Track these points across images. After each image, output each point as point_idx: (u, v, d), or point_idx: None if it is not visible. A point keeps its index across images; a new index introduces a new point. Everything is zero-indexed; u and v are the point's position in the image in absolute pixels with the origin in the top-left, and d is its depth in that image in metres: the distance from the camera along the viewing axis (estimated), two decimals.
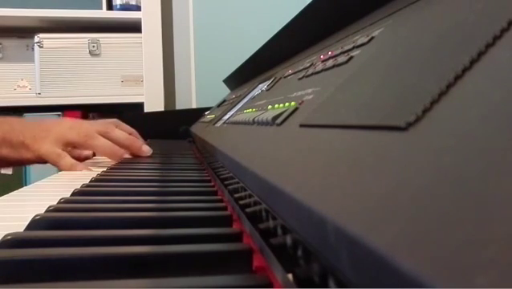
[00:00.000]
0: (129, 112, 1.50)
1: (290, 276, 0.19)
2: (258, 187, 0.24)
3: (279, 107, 0.35)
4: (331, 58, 0.36)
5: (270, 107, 0.40)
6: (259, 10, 1.61)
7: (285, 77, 0.51)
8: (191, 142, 1.16)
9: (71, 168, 0.67)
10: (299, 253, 0.18)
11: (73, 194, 0.40)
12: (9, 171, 1.46)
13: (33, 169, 1.48)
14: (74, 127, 0.72)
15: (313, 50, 0.52)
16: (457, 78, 0.15)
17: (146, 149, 0.77)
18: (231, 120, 0.59)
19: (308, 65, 0.42)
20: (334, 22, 0.47)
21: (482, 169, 0.10)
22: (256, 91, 0.66)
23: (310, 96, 0.31)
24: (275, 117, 0.32)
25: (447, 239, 0.09)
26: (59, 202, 0.36)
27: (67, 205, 0.36)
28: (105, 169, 0.60)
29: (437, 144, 0.12)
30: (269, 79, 0.64)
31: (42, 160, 0.71)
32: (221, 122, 0.69)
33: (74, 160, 0.69)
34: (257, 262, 0.24)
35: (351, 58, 0.30)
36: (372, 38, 0.30)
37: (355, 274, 0.11)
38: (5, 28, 1.55)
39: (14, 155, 0.71)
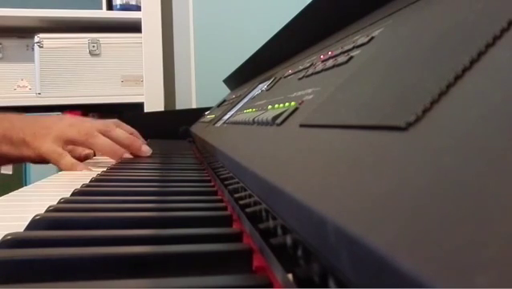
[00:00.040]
0: (129, 112, 1.50)
1: (290, 276, 0.19)
2: (258, 187, 0.24)
3: (279, 107, 0.35)
4: (331, 58, 0.36)
5: (270, 107, 0.40)
6: (259, 10, 1.61)
7: (285, 77, 0.51)
8: (191, 142, 1.16)
9: (71, 168, 0.67)
10: (299, 253, 0.18)
11: (73, 194, 0.40)
12: (9, 171, 1.46)
13: (33, 169, 1.48)
14: (74, 124, 0.72)
15: (313, 50, 0.52)
16: (457, 78, 0.15)
17: (146, 149, 0.77)
18: (231, 120, 0.59)
19: (308, 65, 0.42)
20: (334, 22, 0.47)
21: (482, 169, 0.10)
22: (256, 91, 0.66)
23: (310, 96, 0.31)
24: (275, 117, 0.32)
25: (447, 239, 0.09)
26: (59, 202, 0.36)
27: (67, 205, 0.36)
28: (105, 169, 0.60)
29: (437, 144, 0.12)
30: (269, 79, 0.64)
31: (42, 158, 0.71)
32: (221, 122, 0.69)
33: (74, 160, 0.69)
34: (257, 262, 0.24)
35: (351, 58, 0.30)
36: (372, 38, 0.30)
37: (355, 274, 0.11)
38: (5, 28, 1.55)
39: (15, 152, 0.71)
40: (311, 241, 0.15)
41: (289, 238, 0.20)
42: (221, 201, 0.39)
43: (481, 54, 0.15)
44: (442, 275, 0.08)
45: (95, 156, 0.88)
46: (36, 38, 1.49)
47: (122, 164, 0.68)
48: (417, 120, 0.14)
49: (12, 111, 1.14)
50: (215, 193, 0.43)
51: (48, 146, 0.69)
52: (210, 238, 0.27)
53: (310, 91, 0.32)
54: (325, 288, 0.15)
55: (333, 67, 0.32)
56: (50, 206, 0.34)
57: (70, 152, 0.72)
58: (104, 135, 0.71)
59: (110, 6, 1.57)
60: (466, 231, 0.09)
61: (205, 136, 0.68)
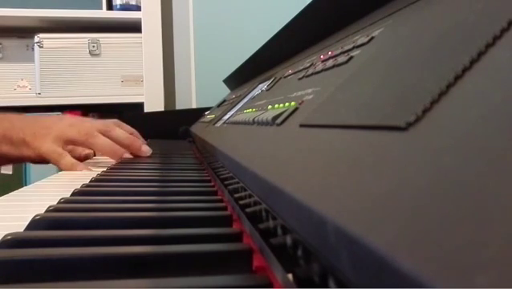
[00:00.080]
0: (129, 112, 1.50)
1: (290, 276, 0.19)
2: (258, 187, 0.24)
3: (279, 107, 0.35)
4: (331, 58, 0.36)
5: (270, 107, 0.40)
6: (259, 10, 1.61)
7: (285, 77, 0.51)
8: (191, 142, 1.16)
9: (71, 168, 0.67)
10: (299, 253, 0.18)
11: (73, 194, 0.40)
12: (9, 171, 1.46)
13: (33, 169, 1.48)
14: (74, 124, 0.72)
15: (313, 50, 0.52)
16: (457, 78, 0.15)
17: (146, 149, 0.77)
18: (231, 120, 0.59)
19: (308, 65, 0.42)
20: (334, 22, 0.47)
21: (482, 169, 0.10)
22: (256, 91, 0.66)
23: (310, 96, 0.31)
24: (275, 117, 0.32)
25: (447, 239, 0.09)
26: (59, 202, 0.36)
27: (67, 205, 0.36)
28: (105, 169, 0.60)
29: (437, 144, 0.12)
30: (269, 79, 0.64)
31: (42, 158, 0.71)
32: (221, 122, 0.69)
33: (74, 160, 0.69)
34: (257, 262, 0.24)
35: (351, 58, 0.30)
36: (372, 38, 0.30)
37: (355, 274, 0.11)
38: (5, 28, 1.55)
39: (15, 152, 0.71)
40: (311, 241, 0.15)
41: (289, 238, 0.20)
42: (221, 201, 0.39)
43: (481, 54, 0.15)
44: (442, 275, 0.08)
45: (95, 156, 0.88)
46: (36, 38, 1.49)
47: (122, 164, 0.68)
48: (417, 120, 0.14)
49: (12, 111, 1.14)
50: (215, 193, 0.43)
51: (48, 146, 0.69)
52: (210, 238, 0.27)
53: (310, 91, 0.32)
54: (325, 288, 0.15)
55: (333, 67, 0.32)
56: (50, 206, 0.34)
57: (70, 152, 0.72)
58: (104, 135, 0.71)
59: (110, 6, 1.57)
60: (466, 231, 0.09)
61: (205, 136, 0.68)
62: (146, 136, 0.94)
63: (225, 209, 0.36)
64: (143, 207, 0.36)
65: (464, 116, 0.13)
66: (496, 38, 0.15)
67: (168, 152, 0.94)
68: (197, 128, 1.02)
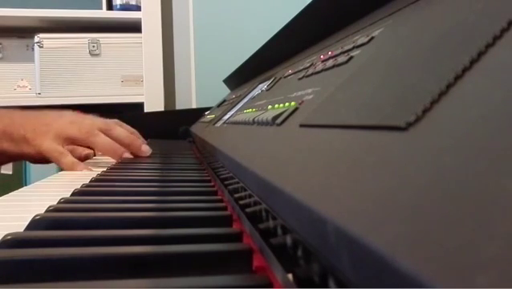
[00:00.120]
0: (129, 112, 1.50)
1: (290, 276, 0.19)
2: (258, 187, 0.24)
3: (279, 107, 0.35)
4: (331, 58, 0.36)
5: (270, 107, 0.40)
6: (259, 10, 1.61)
7: (285, 77, 0.51)
8: (191, 142, 1.16)
9: (72, 167, 0.67)
10: (299, 253, 0.18)
11: (73, 194, 0.40)
12: (9, 171, 1.46)
13: (33, 169, 1.48)
14: (75, 122, 0.71)
15: (313, 50, 0.52)
16: (457, 78, 0.15)
17: (145, 149, 0.77)
18: (231, 120, 0.59)
19: (308, 65, 0.42)
20: (334, 22, 0.47)
21: (482, 169, 0.10)
22: (256, 91, 0.66)
23: (310, 96, 0.31)
24: (275, 117, 0.32)
25: (447, 239, 0.09)
26: (59, 202, 0.36)
27: (67, 205, 0.36)
28: (105, 169, 0.60)
29: (437, 144, 0.12)
30: (269, 79, 0.64)
31: (42, 156, 0.70)
32: (221, 122, 0.69)
33: (75, 159, 0.69)
34: (257, 262, 0.24)
35: (351, 58, 0.30)
36: (372, 38, 0.30)
37: (355, 274, 0.11)
38: (5, 28, 1.55)
39: (15, 149, 0.71)
40: (311, 241, 0.15)
41: (289, 238, 0.20)
42: (221, 201, 0.39)
43: (481, 54, 0.15)
44: (442, 275, 0.08)
45: (95, 156, 0.88)
46: (36, 38, 1.49)
47: (122, 164, 0.68)
48: (417, 120, 0.14)
49: None
50: (215, 193, 0.43)
51: (48, 144, 0.68)
52: (210, 238, 0.27)
53: (310, 91, 0.32)
54: (325, 288, 0.15)
55: (333, 67, 0.32)
56: (50, 206, 0.34)
57: (70, 152, 0.71)
58: (105, 133, 0.71)
59: (110, 6, 1.57)
60: (466, 231, 0.09)
61: (205, 136, 0.68)
62: (146, 136, 0.94)
63: (225, 209, 0.36)
64: (143, 207, 0.36)
65: (464, 116, 0.13)
66: (496, 38, 0.15)
67: (168, 152, 0.94)
68: (197, 128, 1.02)
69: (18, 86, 1.57)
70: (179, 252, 0.24)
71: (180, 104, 1.67)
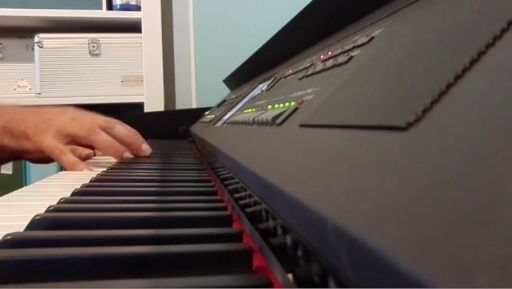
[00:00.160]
0: (129, 112, 1.50)
1: (290, 276, 0.19)
2: (258, 187, 0.24)
3: (279, 107, 0.35)
4: (331, 58, 0.36)
5: (270, 107, 0.40)
6: (259, 10, 1.61)
7: (285, 77, 0.51)
8: (191, 142, 1.16)
9: (73, 166, 0.67)
10: (299, 253, 0.18)
11: (73, 194, 0.40)
12: (9, 171, 1.46)
13: (33, 169, 1.48)
14: (76, 119, 0.71)
15: (313, 50, 0.52)
16: (457, 78, 0.15)
17: (146, 148, 0.77)
18: (231, 120, 0.59)
19: (308, 65, 0.42)
20: (334, 22, 0.47)
21: (482, 169, 0.10)
22: (256, 91, 0.66)
23: (310, 96, 0.31)
24: (275, 117, 0.32)
25: (447, 239, 0.09)
26: (59, 202, 0.36)
27: (67, 205, 0.36)
28: (105, 169, 0.60)
29: (437, 144, 0.12)
30: (269, 79, 0.64)
31: (42, 153, 0.70)
32: (221, 122, 0.69)
33: (76, 158, 0.68)
34: (257, 262, 0.24)
35: (351, 58, 0.30)
36: (372, 38, 0.30)
37: (355, 274, 0.11)
38: (5, 28, 1.55)
39: (15, 144, 0.70)
40: (311, 241, 0.15)
41: (289, 238, 0.20)
42: (221, 201, 0.39)
43: (481, 54, 0.15)
44: (442, 275, 0.08)
45: (95, 156, 0.88)
46: (36, 38, 1.49)
47: (122, 164, 0.68)
48: (417, 120, 0.14)
49: None
50: (215, 193, 0.43)
51: (50, 141, 0.68)
52: (210, 238, 0.27)
53: (310, 91, 0.32)
54: (325, 288, 0.15)
55: (333, 67, 0.32)
56: (50, 206, 0.34)
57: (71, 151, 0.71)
58: (106, 131, 0.71)
59: (110, 6, 1.57)
60: (466, 231, 0.09)
61: (205, 136, 0.68)
62: (146, 136, 0.94)
63: (225, 209, 0.36)
64: (143, 207, 0.36)
65: (464, 115, 0.13)
66: (496, 38, 0.15)
67: (168, 152, 0.94)
68: (197, 128, 1.02)
69: (18, 86, 1.57)
70: (179, 252, 0.24)
71: (180, 104, 1.67)
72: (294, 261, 0.19)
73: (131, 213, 0.33)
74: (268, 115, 0.34)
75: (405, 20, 0.28)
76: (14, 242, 0.25)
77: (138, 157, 0.75)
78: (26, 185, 0.56)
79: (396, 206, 0.11)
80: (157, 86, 1.53)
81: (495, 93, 0.12)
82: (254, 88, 0.71)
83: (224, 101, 1.07)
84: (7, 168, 1.46)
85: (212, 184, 0.49)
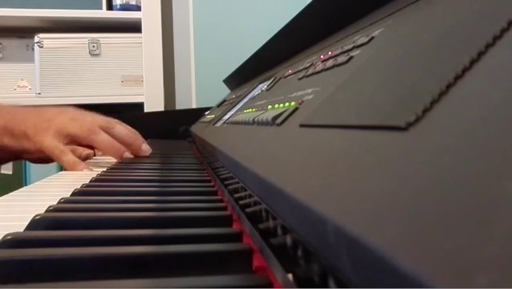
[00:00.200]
0: (129, 112, 1.50)
1: (290, 276, 0.19)
2: (258, 187, 0.24)
3: (279, 107, 0.35)
4: (331, 58, 0.36)
5: (270, 107, 0.40)
6: (259, 10, 1.61)
7: (285, 77, 0.51)
8: (191, 142, 1.16)
9: (73, 166, 0.67)
10: (299, 253, 0.18)
11: (73, 194, 0.40)
12: (9, 171, 1.46)
13: (33, 169, 1.48)
14: (76, 118, 0.71)
15: (313, 50, 0.52)
16: (457, 78, 0.15)
17: (146, 148, 0.77)
18: (231, 120, 0.59)
19: (308, 65, 0.42)
20: (334, 22, 0.47)
21: (482, 169, 0.10)
22: (256, 91, 0.66)
23: (310, 96, 0.31)
24: (275, 117, 0.32)
25: (447, 239, 0.09)
26: (59, 202, 0.36)
27: (67, 205, 0.36)
28: (105, 169, 0.60)
29: (437, 144, 0.12)
30: (269, 79, 0.64)
31: (42, 153, 0.70)
32: (221, 122, 0.69)
33: (77, 158, 0.68)
34: (257, 262, 0.24)
35: (351, 58, 0.30)
36: (372, 38, 0.30)
37: (355, 274, 0.11)
38: (5, 28, 1.55)
39: (15, 144, 0.70)
40: (311, 241, 0.15)
41: (289, 238, 0.20)
42: (221, 201, 0.39)
43: (481, 54, 0.15)
44: (442, 275, 0.08)
45: (95, 156, 0.88)
46: (36, 38, 1.49)
47: (122, 164, 0.68)
48: (417, 120, 0.14)
49: None
50: (215, 193, 0.43)
51: (49, 141, 0.68)
52: (210, 238, 0.27)
53: (310, 91, 0.32)
54: (325, 288, 0.15)
55: (333, 67, 0.32)
56: (50, 206, 0.34)
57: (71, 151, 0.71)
58: (106, 131, 0.71)
59: (110, 6, 1.57)
60: (466, 231, 0.09)
61: (205, 136, 0.68)
62: (146, 136, 0.94)
63: (225, 209, 0.36)
64: (143, 207, 0.36)
65: (464, 115, 0.13)
66: (496, 38, 0.15)
67: (168, 152, 0.94)
68: (197, 128, 1.02)
69: (18, 86, 1.57)
70: (179, 252, 0.24)
71: (180, 104, 1.67)
72: (294, 261, 0.19)
73: (131, 213, 0.33)
74: (268, 115, 0.34)
75: (405, 20, 0.28)
76: (14, 242, 0.25)
77: (138, 157, 0.75)
78: (26, 185, 0.56)
79: (396, 206, 0.11)
80: (157, 86, 1.53)
81: (495, 93, 0.12)
82: (254, 88, 0.71)
83: (224, 101, 1.07)
84: (7, 168, 1.46)
85: (212, 184, 0.49)
